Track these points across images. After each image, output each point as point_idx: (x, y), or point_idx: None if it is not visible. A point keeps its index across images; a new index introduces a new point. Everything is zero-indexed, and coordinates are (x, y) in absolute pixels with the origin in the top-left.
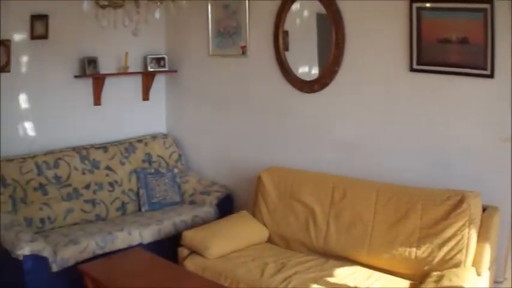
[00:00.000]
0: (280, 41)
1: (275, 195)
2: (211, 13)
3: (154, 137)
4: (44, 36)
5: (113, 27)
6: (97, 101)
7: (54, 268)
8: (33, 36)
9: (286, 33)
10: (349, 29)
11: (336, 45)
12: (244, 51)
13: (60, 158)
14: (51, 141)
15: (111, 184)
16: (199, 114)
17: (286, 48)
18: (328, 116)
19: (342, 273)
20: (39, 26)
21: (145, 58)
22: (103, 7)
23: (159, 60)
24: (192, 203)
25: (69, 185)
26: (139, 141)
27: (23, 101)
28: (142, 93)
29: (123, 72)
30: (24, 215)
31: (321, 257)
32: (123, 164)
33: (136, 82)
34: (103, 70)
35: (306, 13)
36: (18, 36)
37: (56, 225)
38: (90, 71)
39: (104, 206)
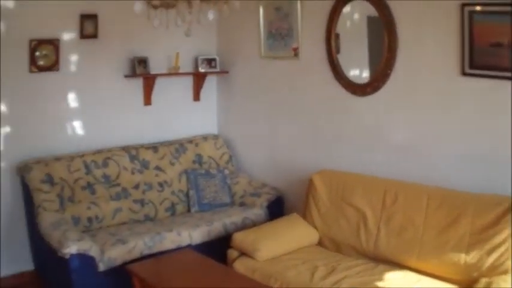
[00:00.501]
0: (332, 43)
1: (326, 198)
2: (263, 15)
3: (205, 137)
4: (94, 36)
5: (165, 27)
6: (147, 101)
7: (101, 267)
8: (82, 36)
9: (337, 35)
10: (401, 32)
11: (388, 48)
12: (296, 53)
13: (109, 158)
14: (100, 140)
15: (160, 184)
16: (250, 116)
17: (338, 51)
18: (380, 119)
19: (392, 278)
20: (88, 26)
21: (196, 59)
22: (155, 7)
23: (210, 61)
24: (242, 204)
25: (118, 184)
26: (190, 141)
27: (72, 99)
28: (193, 93)
29: (174, 73)
30: (71, 213)
31: (370, 261)
32: (173, 164)
33: (187, 83)
34: (153, 70)
35: (356, 16)
36: (68, 36)
37: (103, 225)
38: (140, 70)
39: (153, 206)
